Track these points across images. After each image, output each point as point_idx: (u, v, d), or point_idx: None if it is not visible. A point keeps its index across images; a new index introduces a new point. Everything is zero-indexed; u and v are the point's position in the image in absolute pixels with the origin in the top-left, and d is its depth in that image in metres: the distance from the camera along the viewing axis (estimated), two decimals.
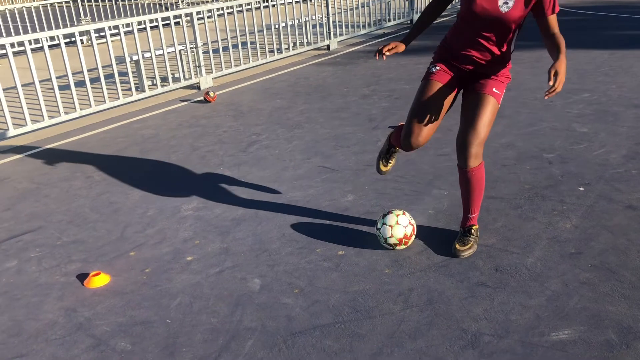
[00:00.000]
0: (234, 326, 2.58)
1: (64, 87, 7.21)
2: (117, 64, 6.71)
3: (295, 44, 9.24)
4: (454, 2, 8.62)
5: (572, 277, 2.75)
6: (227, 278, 2.97)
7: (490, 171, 3.99)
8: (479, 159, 2.84)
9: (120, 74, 7.53)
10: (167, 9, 15.12)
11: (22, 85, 6.50)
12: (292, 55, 8.94)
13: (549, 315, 2.49)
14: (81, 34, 7.90)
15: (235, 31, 8.57)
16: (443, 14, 8.63)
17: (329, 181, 4.11)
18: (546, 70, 6.85)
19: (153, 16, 6.87)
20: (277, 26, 8.71)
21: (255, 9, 8.88)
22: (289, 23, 8.93)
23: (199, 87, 7.47)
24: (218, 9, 8.38)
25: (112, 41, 6.47)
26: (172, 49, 7.41)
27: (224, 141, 5.21)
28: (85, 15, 14.29)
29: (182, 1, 15.00)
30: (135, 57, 6.97)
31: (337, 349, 2.39)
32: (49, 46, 5.85)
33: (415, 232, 3.10)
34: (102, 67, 6.34)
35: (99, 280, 2.99)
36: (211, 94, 6.65)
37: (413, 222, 3.10)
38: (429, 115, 2.84)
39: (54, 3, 13.97)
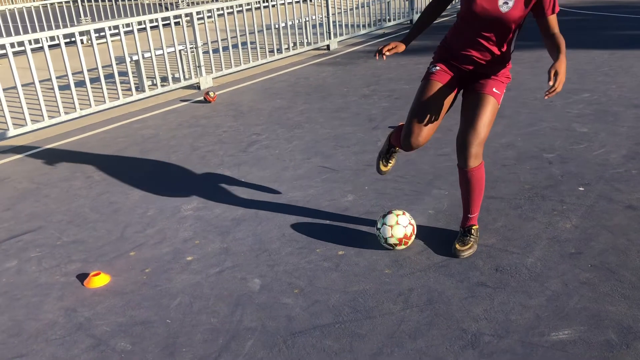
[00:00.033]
0: (234, 326, 2.58)
1: (64, 87, 7.21)
2: (117, 64, 6.71)
3: (295, 44, 9.24)
4: (454, 2, 8.62)
5: (572, 277, 2.75)
6: (227, 278, 2.97)
7: (490, 171, 3.99)
8: (479, 159, 2.84)
9: (120, 74, 7.53)
10: (167, 9, 15.13)
11: (22, 85, 6.50)
12: (292, 55, 8.94)
13: (549, 315, 2.50)
14: (81, 34, 7.90)
15: (235, 31, 8.57)
16: (443, 14, 8.63)
17: (329, 181, 4.11)
18: (546, 70, 6.85)
19: (153, 16, 6.87)
20: (277, 26, 8.71)
21: (255, 9, 8.88)
22: (289, 23, 8.93)
23: (199, 87, 7.47)
24: (218, 9, 8.38)
25: (112, 41, 6.47)
26: (172, 49, 7.41)
27: (224, 141, 5.21)
28: (85, 15, 14.29)
29: (182, 1, 15.00)
30: (135, 57, 6.97)
31: (337, 349, 2.39)
32: (49, 46, 5.85)
33: (415, 232, 3.10)
34: (102, 67, 6.34)
35: (99, 280, 2.99)
36: (211, 94, 6.65)
37: (413, 222, 3.10)
38: (429, 115, 2.84)
39: (54, 3, 13.97)
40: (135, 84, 7.30)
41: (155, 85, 7.13)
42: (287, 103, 6.37)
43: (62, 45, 5.89)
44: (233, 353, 2.41)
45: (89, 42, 10.43)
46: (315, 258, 3.10)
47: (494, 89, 2.83)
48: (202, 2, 14.69)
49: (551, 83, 2.37)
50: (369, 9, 10.62)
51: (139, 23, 6.89)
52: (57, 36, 5.90)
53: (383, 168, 3.50)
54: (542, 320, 2.47)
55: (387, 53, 2.81)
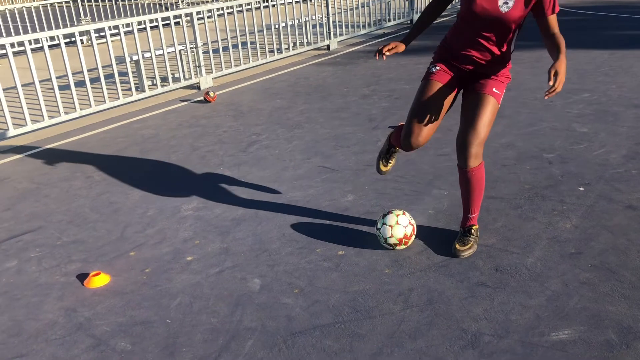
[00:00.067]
0: (234, 326, 2.58)
1: (64, 87, 7.21)
2: (117, 64, 6.71)
3: (295, 44, 9.24)
4: (454, 2, 8.62)
5: (572, 277, 2.75)
6: (227, 278, 2.97)
7: (490, 171, 3.99)
8: (479, 159, 2.84)
9: (120, 74, 7.53)
10: (167, 9, 15.13)
11: (22, 85, 6.50)
12: (292, 55, 8.94)
13: (549, 315, 2.49)
14: (81, 34, 7.90)
15: (235, 31, 8.57)
16: (443, 14, 8.63)
17: (329, 181, 4.11)
18: (546, 70, 6.85)
19: (153, 16, 6.87)
20: (277, 26, 8.71)
21: (255, 9, 8.88)
22: (289, 23, 8.93)
23: (199, 87, 7.47)
24: (218, 9, 8.38)
25: (112, 41, 6.47)
26: (172, 49, 7.41)
27: (224, 141, 5.21)
28: (85, 15, 14.29)
29: (182, 1, 15.00)
30: (135, 57, 6.97)
31: (337, 349, 2.39)
32: (49, 46, 5.85)
33: (415, 232, 3.10)
34: (102, 67, 6.34)
35: (99, 280, 2.99)
36: (211, 94, 6.65)
37: (413, 222, 3.10)
38: (429, 115, 2.84)
39: (54, 3, 13.97)
40: (135, 84, 7.30)
41: (155, 85, 7.13)
42: (287, 103, 6.37)
43: (62, 45, 5.89)
44: (233, 353, 2.41)
45: (89, 42, 10.43)
46: (315, 258, 3.10)
47: (494, 89, 2.83)
48: (202, 2, 14.69)
49: (551, 83, 2.37)
50: (369, 9, 10.62)
51: (139, 23, 6.90)
52: (57, 36, 5.90)
53: (383, 168, 3.50)
54: (542, 320, 2.47)
55: (387, 53, 2.81)
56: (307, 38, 9.64)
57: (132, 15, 14.22)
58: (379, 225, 3.08)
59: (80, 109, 6.07)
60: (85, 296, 2.91)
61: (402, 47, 2.86)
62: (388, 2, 11.10)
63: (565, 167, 4.02)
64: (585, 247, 3.00)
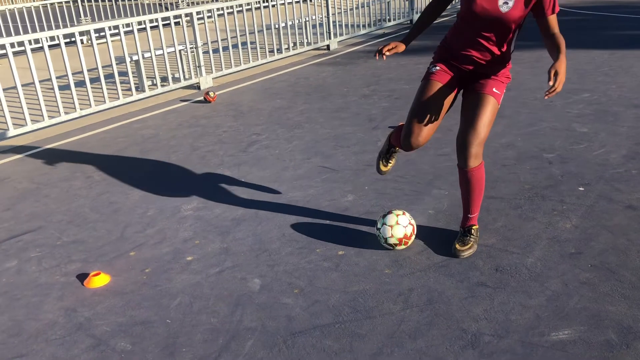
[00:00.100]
0: (234, 326, 2.58)
1: (64, 87, 7.21)
2: (117, 64, 6.71)
3: (295, 44, 9.24)
4: (454, 2, 8.62)
5: (572, 277, 2.75)
6: (227, 278, 2.97)
7: (490, 171, 3.99)
8: (479, 159, 2.84)
9: (120, 74, 7.53)
10: (167, 9, 15.13)
11: (22, 85, 6.50)
12: (292, 55, 8.94)
13: (549, 315, 2.50)
14: (81, 34, 7.90)
15: (235, 31, 8.57)
16: (443, 14, 8.63)
17: (329, 181, 4.11)
18: (546, 70, 6.85)
19: (153, 16, 6.87)
20: (277, 26, 8.71)
21: (255, 9, 8.88)
22: (289, 23, 8.93)
23: (199, 87, 7.47)
24: (218, 9, 8.38)
25: (112, 41, 6.47)
26: (172, 49, 7.41)
27: (224, 141, 5.21)
28: (85, 15, 14.29)
29: (182, 1, 15.00)
30: (135, 57, 6.97)
31: (337, 349, 2.39)
32: (49, 46, 5.85)
33: (415, 232, 3.10)
34: (102, 67, 6.34)
35: (99, 280, 2.99)
36: (211, 94, 6.65)
37: (413, 222, 3.10)
38: (429, 115, 2.84)
39: (54, 3, 13.97)
40: (135, 84, 7.30)
41: (155, 85, 7.13)
42: (287, 103, 6.37)
43: (62, 45, 5.89)
44: (233, 353, 2.41)
45: (89, 42, 10.43)
46: (315, 258, 3.10)
47: (494, 89, 2.83)
48: (202, 2, 14.69)
49: (551, 83, 2.37)
50: (369, 9, 10.62)
51: (139, 23, 6.90)
52: (57, 36, 5.90)
53: (383, 168, 3.50)
54: (542, 320, 2.47)
55: (387, 53, 2.81)
56: (307, 38, 9.64)
57: (132, 15, 14.23)
58: (379, 225, 3.08)
59: (80, 109, 6.07)
60: (85, 296, 2.91)
61: (402, 47, 2.86)
62: (388, 2, 11.10)
63: (565, 167, 4.02)
64: (585, 247, 3.00)
